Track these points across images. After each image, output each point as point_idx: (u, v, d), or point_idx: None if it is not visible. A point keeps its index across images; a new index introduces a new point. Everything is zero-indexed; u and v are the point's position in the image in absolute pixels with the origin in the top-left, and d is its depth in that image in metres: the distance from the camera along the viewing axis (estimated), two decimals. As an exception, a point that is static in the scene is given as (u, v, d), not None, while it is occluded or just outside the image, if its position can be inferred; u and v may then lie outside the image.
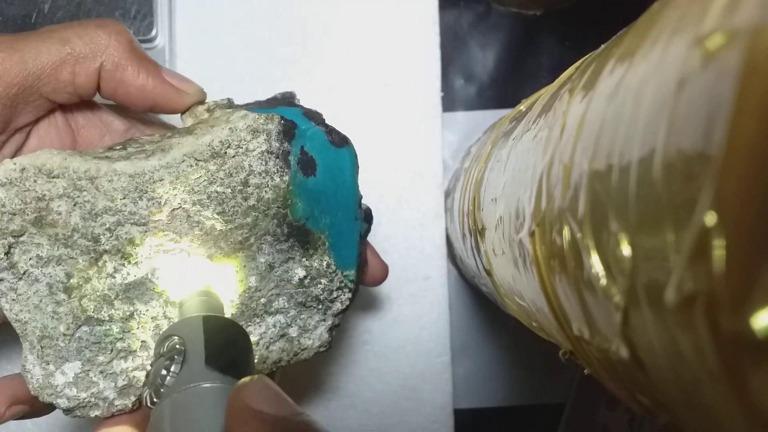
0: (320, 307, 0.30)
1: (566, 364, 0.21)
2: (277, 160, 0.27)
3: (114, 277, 0.26)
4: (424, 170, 0.44)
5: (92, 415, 0.27)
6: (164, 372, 0.22)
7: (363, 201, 0.31)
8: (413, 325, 0.44)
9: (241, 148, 0.26)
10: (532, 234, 0.19)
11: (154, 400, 0.22)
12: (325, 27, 0.44)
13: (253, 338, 0.29)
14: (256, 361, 0.29)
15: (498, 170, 0.26)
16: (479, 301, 0.45)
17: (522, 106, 0.29)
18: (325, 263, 0.29)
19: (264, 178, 0.27)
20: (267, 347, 0.29)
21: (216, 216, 0.26)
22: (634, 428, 0.44)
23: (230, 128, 0.26)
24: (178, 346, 0.23)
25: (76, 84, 0.27)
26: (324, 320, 0.30)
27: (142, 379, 0.27)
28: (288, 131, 0.27)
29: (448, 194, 0.43)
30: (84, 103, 0.30)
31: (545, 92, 0.24)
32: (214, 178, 0.26)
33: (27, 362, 0.26)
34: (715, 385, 0.11)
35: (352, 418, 0.43)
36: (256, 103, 0.30)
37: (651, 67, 0.13)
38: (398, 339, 0.44)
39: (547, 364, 0.45)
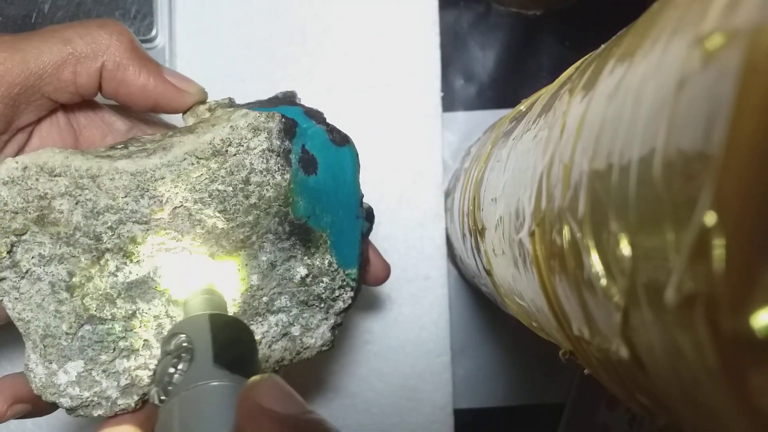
0: (322, 305, 0.30)
1: (566, 364, 0.21)
2: (278, 158, 0.27)
3: (116, 276, 0.26)
4: (424, 170, 0.44)
5: (95, 415, 0.27)
6: (172, 370, 0.22)
7: (364, 200, 0.31)
8: (413, 325, 0.44)
9: (242, 146, 0.26)
10: (532, 234, 0.19)
11: (162, 397, 0.22)
12: (325, 27, 0.44)
13: (255, 337, 0.29)
14: None
15: (498, 170, 0.26)
16: (479, 301, 0.45)
17: (522, 106, 0.29)
18: (326, 262, 0.29)
19: (265, 176, 0.27)
20: (269, 346, 0.29)
21: (217, 214, 0.26)
22: (634, 428, 0.44)
23: (231, 126, 0.26)
24: (185, 344, 0.23)
25: (78, 84, 0.27)
26: (326, 319, 0.30)
27: (145, 378, 0.27)
28: (289, 129, 0.27)
29: (448, 194, 0.43)
30: (86, 103, 0.30)
31: (545, 92, 0.24)
32: (215, 177, 0.26)
33: (30, 361, 0.26)
34: (715, 385, 0.11)
35: (352, 417, 0.43)
36: (258, 102, 0.30)
37: (651, 67, 0.13)
38: (398, 339, 0.44)
39: (547, 364, 0.45)
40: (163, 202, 0.25)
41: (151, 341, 0.27)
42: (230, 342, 0.23)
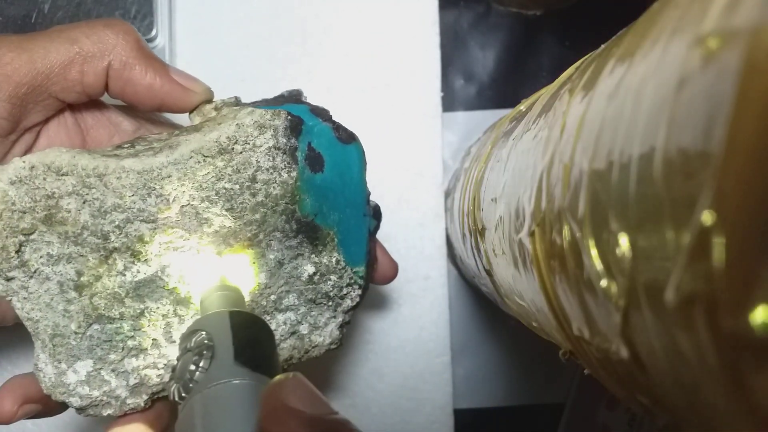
0: (330, 304, 0.30)
1: (566, 364, 0.21)
2: (285, 155, 0.27)
3: (124, 275, 0.26)
4: (424, 170, 0.44)
5: (104, 414, 0.27)
6: (193, 367, 0.22)
7: (370, 198, 0.31)
8: (413, 325, 0.44)
9: (249, 144, 0.26)
10: (532, 234, 0.19)
11: (183, 395, 0.22)
12: (325, 27, 0.44)
13: None
14: None
15: (498, 170, 0.26)
16: (479, 301, 0.45)
17: (522, 106, 0.29)
18: (334, 260, 0.29)
19: (272, 174, 0.27)
20: (278, 344, 0.29)
21: (224, 212, 0.26)
22: (634, 428, 0.44)
23: (237, 124, 0.26)
24: (206, 342, 0.23)
25: (85, 83, 0.27)
26: (334, 317, 0.30)
27: (154, 377, 0.27)
28: (295, 127, 0.27)
29: (448, 194, 0.43)
30: (93, 103, 0.30)
31: (545, 92, 0.24)
32: (221, 175, 0.26)
33: (39, 361, 0.26)
34: (715, 385, 0.11)
35: (352, 417, 0.43)
36: (264, 101, 0.30)
37: (651, 67, 0.13)
38: (398, 339, 0.44)
39: (547, 364, 0.45)
40: (170, 200, 0.25)
41: (159, 340, 0.27)
42: (251, 340, 0.23)
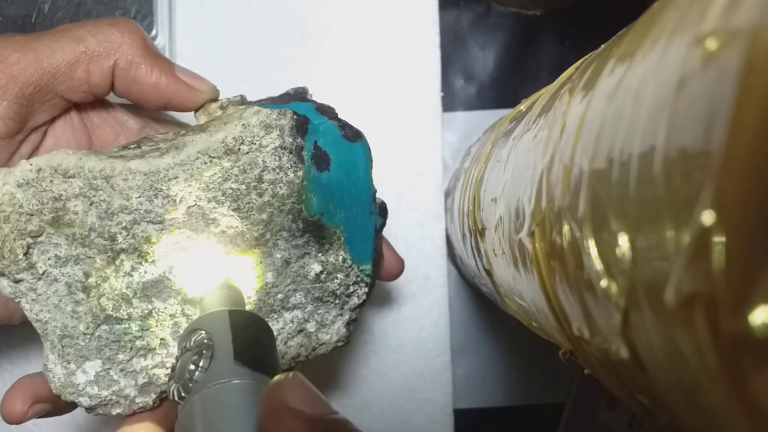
0: (337, 302, 0.30)
1: (566, 364, 0.21)
2: (291, 155, 0.27)
3: (131, 276, 0.26)
4: (424, 170, 0.44)
5: (114, 413, 0.27)
6: (192, 367, 0.22)
7: (377, 195, 0.31)
8: (413, 325, 0.44)
9: (255, 144, 0.26)
10: (532, 234, 0.19)
11: (183, 394, 0.22)
12: (325, 27, 0.44)
13: None
14: None
15: (498, 170, 0.26)
16: (479, 301, 0.45)
17: (522, 106, 0.29)
18: (341, 258, 0.29)
19: (278, 173, 0.27)
20: (285, 342, 0.30)
21: (231, 213, 0.26)
22: (634, 428, 0.44)
23: (243, 124, 0.26)
24: (206, 341, 0.22)
25: (91, 82, 0.27)
26: (341, 315, 0.30)
27: (162, 376, 0.27)
28: (301, 126, 0.27)
29: (448, 194, 0.43)
30: (99, 103, 0.30)
31: (545, 92, 0.24)
32: (228, 175, 0.26)
33: (48, 361, 0.26)
34: (715, 385, 0.11)
35: (352, 417, 0.43)
36: (269, 99, 0.30)
37: (651, 67, 0.13)
38: (398, 339, 0.44)
39: (547, 364, 0.45)
40: (177, 201, 0.26)
41: (167, 340, 0.27)
42: (250, 339, 0.23)
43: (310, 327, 0.30)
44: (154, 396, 0.28)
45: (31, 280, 0.25)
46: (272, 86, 0.33)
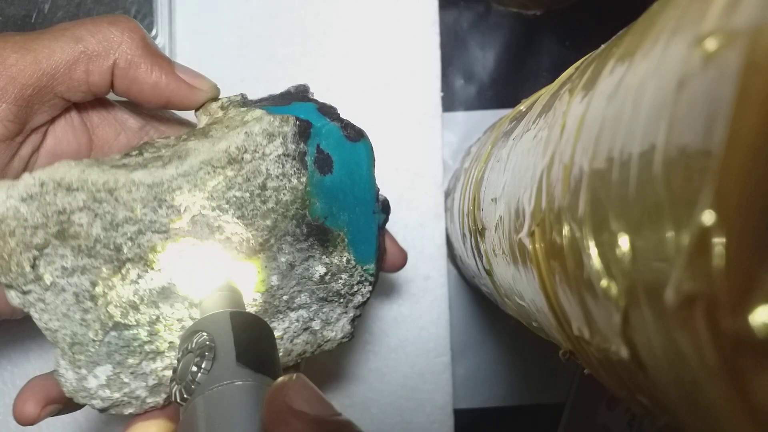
0: (341, 300, 0.30)
1: (566, 364, 0.21)
2: (294, 161, 0.27)
3: (138, 284, 0.26)
4: (424, 170, 0.44)
5: (126, 413, 0.28)
6: (194, 368, 0.22)
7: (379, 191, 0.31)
8: (413, 325, 0.44)
9: (258, 152, 0.26)
10: (532, 234, 0.19)
11: (185, 396, 0.22)
12: (325, 27, 0.44)
13: (277, 333, 0.29)
14: (281, 353, 0.30)
15: (498, 170, 0.26)
16: (479, 301, 0.45)
17: (522, 106, 0.29)
18: (344, 259, 0.29)
19: (281, 180, 0.27)
20: (291, 341, 0.30)
21: (236, 220, 0.26)
22: (634, 428, 0.44)
23: (246, 132, 0.26)
24: (208, 343, 0.23)
25: (90, 82, 0.27)
26: (346, 312, 0.31)
27: None
28: (303, 131, 0.27)
29: (448, 194, 0.43)
30: (98, 102, 0.30)
31: (545, 92, 0.24)
32: (232, 184, 0.26)
33: (60, 367, 0.26)
34: (714, 385, 0.11)
35: (352, 417, 0.43)
36: (270, 98, 0.30)
37: (651, 67, 0.13)
38: (398, 339, 0.44)
39: (547, 364, 0.45)
40: (181, 211, 0.26)
41: (176, 343, 0.27)
42: (252, 340, 0.23)
43: (316, 325, 0.30)
44: (164, 396, 0.28)
45: (39, 291, 0.25)
46: (272, 86, 0.32)
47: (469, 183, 0.33)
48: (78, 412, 0.41)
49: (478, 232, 0.28)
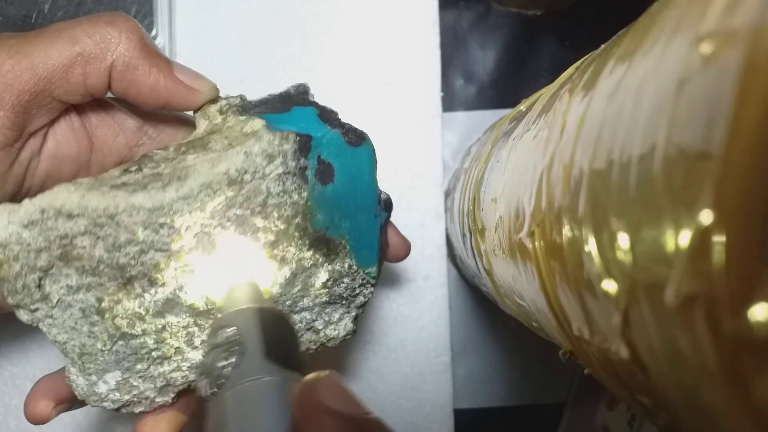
0: (344, 302, 0.31)
1: (566, 364, 0.21)
2: (294, 177, 0.27)
3: (143, 297, 0.27)
4: (424, 170, 0.44)
5: (137, 411, 0.29)
6: (223, 363, 0.22)
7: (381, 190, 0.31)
8: (413, 325, 0.44)
9: (258, 173, 0.26)
10: (532, 234, 0.19)
11: (214, 390, 0.22)
12: (325, 27, 0.44)
13: None
14: None
15: (498, 170, 0.26)
16: (479, 301, 0.45)
17: (522, 106, 0.29)
18: (347, 265, 0.30)
19: (282, 197, 0.27)
20: None
21: (237, 236, 0.27)
22: (634, 428, 0.44)
23: (245, 153, 0.26)
24: (236, 338, 0.23)
25: (88, 85, 0.27)
26: (348, 312, 0.31)
27: (179, 378, 0.28)
28: (304, 146, 0.27)
29: (448, 194, 0.43)
30: (97, 103, 0.30)
31: (545, 92, 0.24)
32: (232, 203, 0.26)
33: (71, 374, 0.27)
34: (715, 385, 0.11)
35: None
36: (270, 101, 0.30)
37: (651, 67, 0.13)
38: (398, 339, 0.44)
39: (547, 364, 0.45)
40: (183, 231, 0.26)
41: (182, 347, 0.28)
42: (279, 336, 0.23)
43: (319, 325, 0.31)
44: (172, 395, 0.29)
45: (47, 308, 0.26)
46: (272, 86, 0.32)
47: (469, 183, 0.33)
48: (78, 411, 0.41)
49: (478, 232, 0.28)
